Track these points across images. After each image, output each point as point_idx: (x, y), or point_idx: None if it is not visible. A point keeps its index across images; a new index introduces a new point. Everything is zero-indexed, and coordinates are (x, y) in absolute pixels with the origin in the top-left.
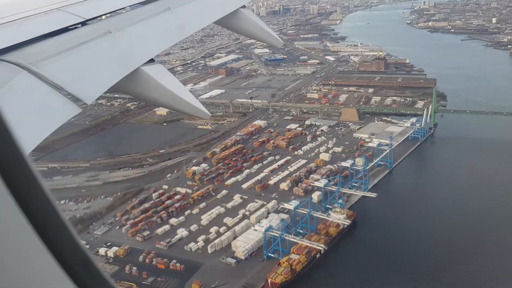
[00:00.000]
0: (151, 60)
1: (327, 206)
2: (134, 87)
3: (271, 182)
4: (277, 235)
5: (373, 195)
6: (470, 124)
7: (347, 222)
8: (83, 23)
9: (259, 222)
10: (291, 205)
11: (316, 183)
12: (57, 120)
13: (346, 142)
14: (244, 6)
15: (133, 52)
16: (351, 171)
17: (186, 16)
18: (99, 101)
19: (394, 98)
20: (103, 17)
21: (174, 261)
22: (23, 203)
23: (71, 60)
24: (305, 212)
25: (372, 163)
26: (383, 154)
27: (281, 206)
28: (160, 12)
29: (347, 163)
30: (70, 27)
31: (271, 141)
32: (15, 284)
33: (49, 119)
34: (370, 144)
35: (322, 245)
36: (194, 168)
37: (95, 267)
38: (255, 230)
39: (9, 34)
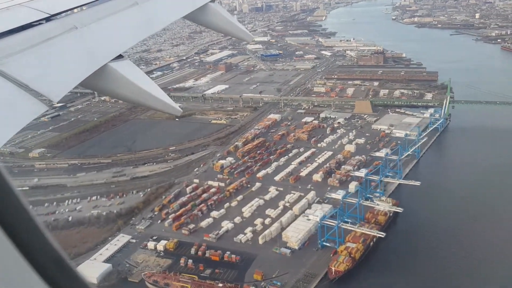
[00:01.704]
0: (120, 56)
1: (368, 195)
2: (102, 84)
3: (303, 174)
4: (333, 224)
5: (417, 183)
6: (481, 114)
7: (400, 210)
8: (48, 19)
9: (304, 212)
10: (339, 195)
11: (357, 173)
12: (23, 119)
13: (367, 134)
14: (213, 0)
15: (100, 48)
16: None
17: (154, 10)
18: (102, 98)
19: (402, 90)
20: (68, 12)
21: (228, 252)
22: None
23: (36, 57)
24: (354, 201)
25: (407, 152)
26: (418, 144)
27: (328, 196)
28: (128, 6)
29: (381, 153)
30: (34, 23)
31: (292, 134)
32: None
33: (14, 118)
34: (397, 135)
35: (382, 233)
36: (222, 161)
37: (69, 266)
38: (308, 220)
39: None
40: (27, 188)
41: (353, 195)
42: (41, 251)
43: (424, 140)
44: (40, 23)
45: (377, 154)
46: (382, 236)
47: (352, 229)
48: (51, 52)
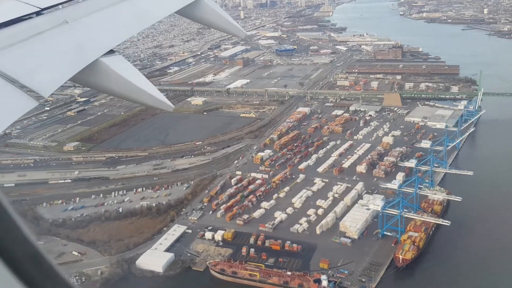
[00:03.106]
0: (111, 51)
1: (418, 186)
2: (93, 79)
3: (345, 165)
4: (395, 213)
5: (470, 173)
6: (509, 106)
7: (459, 199)
8: (38, 13)
9: (356, 203)
10: (394, 185)
11: (407, 163)
12: (13, 114)
13: (401, 126)
14: None
15: (91, 42)
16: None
17: (146, 5)
18: None
19: (427, 84)
20: (59, 6)
21: (288, 242)
22: None
23: (26, 51)
24: (410, 191)
25: (454, 143)
26: (465, 136)
27: (383, 186)
28: (119, 1)
29: (426, 144)
30: (24, 17)
31: (325, 127)
32: None
33: (4, 113)
34: (438, 126)
35: (447, 221)
36: (261, 154)
37: (47, 261)
38: (368, 209)
39: None
40: (69, 180)
41: (407, 185)
42: (16, 246)
43: (471, 130)
44: (30, 17)
45: (422, 145)
46: (448, 225)
47: (415, 218)
48: (41, 46)
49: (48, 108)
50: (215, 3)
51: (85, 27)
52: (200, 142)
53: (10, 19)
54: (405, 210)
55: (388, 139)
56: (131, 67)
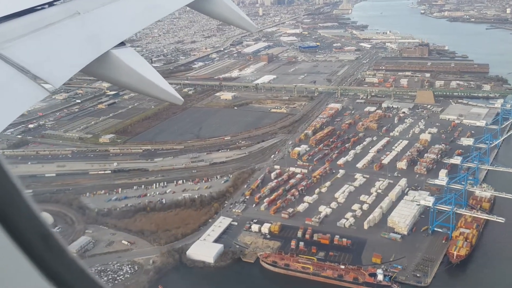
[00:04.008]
0: (122, 44)
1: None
2: (104, 71)
3: (385, 161)
4: (447, 209)
5: None
6: None
7: (510, 196)
8: (50, 4)
9: (402, 199)
10: (443, 181)
11: (452, 160)
12: (24, 104)
13: (437, 124)
14: None
15: (103, 34)
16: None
17: None
18: None
19: (458, 82)
20: None
21: (337, 236)
22: None
23: (38, 42)
24: (459, 187)
25: (498, 140)
26: (509, 133)
27: (430, 182)
28: None
29: (468, 142)
30: (37, 8)
31: (360, 123)
32: None
33: (15, 102)
34: (478, 124)
35: (501, 218)
36: (298, 149)
37: (58, 243)
38: (418, 204)
39: None
40: (109, 171)
41: (455, 182)
42: (26, 226)
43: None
44: (42, 8)
45: (465, 142)
46: (502, 221)
47: (467, 214)
48: (53, 37)
49: (79, 101)
50: None
51: (96, 19)
52: (230, 137)
53: (23, 10)
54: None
55: (426, 136)
56: (142, 60)
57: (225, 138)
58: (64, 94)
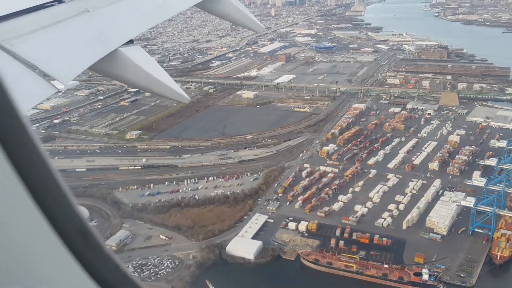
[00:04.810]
0: (130, 42)
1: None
2: (112, 68)
3: (416, 162)
4: (489, 210)
5: None
6: None
7: None
8: (60, 1)
9: (438, 199)
10: (481, 182)
11: (487, 162)
12: (32, 100)
13: (464, 125)
14: None
15: (111, 32)
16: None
17: None
18: None
19: (481, 84)
20: None
21: (377, 235)
22: (17, 160)
23: (47, 38)
24: (497, 189)
25: None
26: None
27: (468, 183)
28: None
29: (501, 144)
30: (46, 4)
31: (386, 124)
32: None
33: (23, 98)
34: (508, 126)
35: None
36: (326, 148)
37: (94, 238)
38: (458, 205)
39: None
40: (139, 167)
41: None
42: (67, 219)
43: None
44: (52, 5)
45: (498, 144)
46: None
47: (509, 215)
48: (61, 34)
49: (101, 98)
50: None
51: (105, 17)
52: (256, 135)
53: (33, 6)
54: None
55: (455, 138)
56: (149, 58)
57: (249, 136)
58: (86, 90)
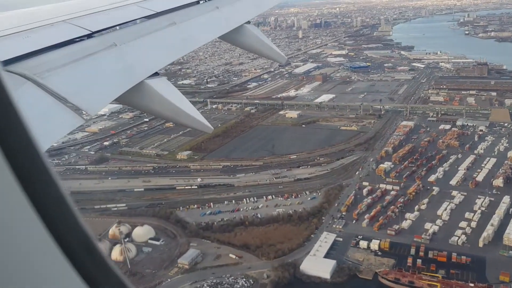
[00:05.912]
0: (156, 74)
1: None
2: (138, 99)
3: (478, 178)
4: None
5: None
6: None
7: None
8: (89, 36)
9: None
10: None
11: None
12: (60, 131)
13: None
14: (248, 22)
15: (138, 65)
16: None
17: (190, 31)
18: (214, 106)
19: None
20: (109, 30)
21: (454, 253)
22: (21, 172)
23: (76, 72)
24: None
25: None
26: None
27: None
28: (166, 26)
29: None
30: (76, 39)
31: (440, 141)
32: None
33: (52, 129)
34: None
35: None
36: (383, 166)
37: (99, 253)
38: None
39: (16, 45)
40: (196, 186)
41: None
42: (71, 233)
43: None
44: (82, 40)
45: None
46: None
47: None
48: (90, 67)
49: (147, 119)
50: (257, 29)
51: (132, 50)
52: (306, 153)
53: (63, 41)
54: None
55: None
56: (174, 90)
57: (300, 155)
58: (130, 113)
